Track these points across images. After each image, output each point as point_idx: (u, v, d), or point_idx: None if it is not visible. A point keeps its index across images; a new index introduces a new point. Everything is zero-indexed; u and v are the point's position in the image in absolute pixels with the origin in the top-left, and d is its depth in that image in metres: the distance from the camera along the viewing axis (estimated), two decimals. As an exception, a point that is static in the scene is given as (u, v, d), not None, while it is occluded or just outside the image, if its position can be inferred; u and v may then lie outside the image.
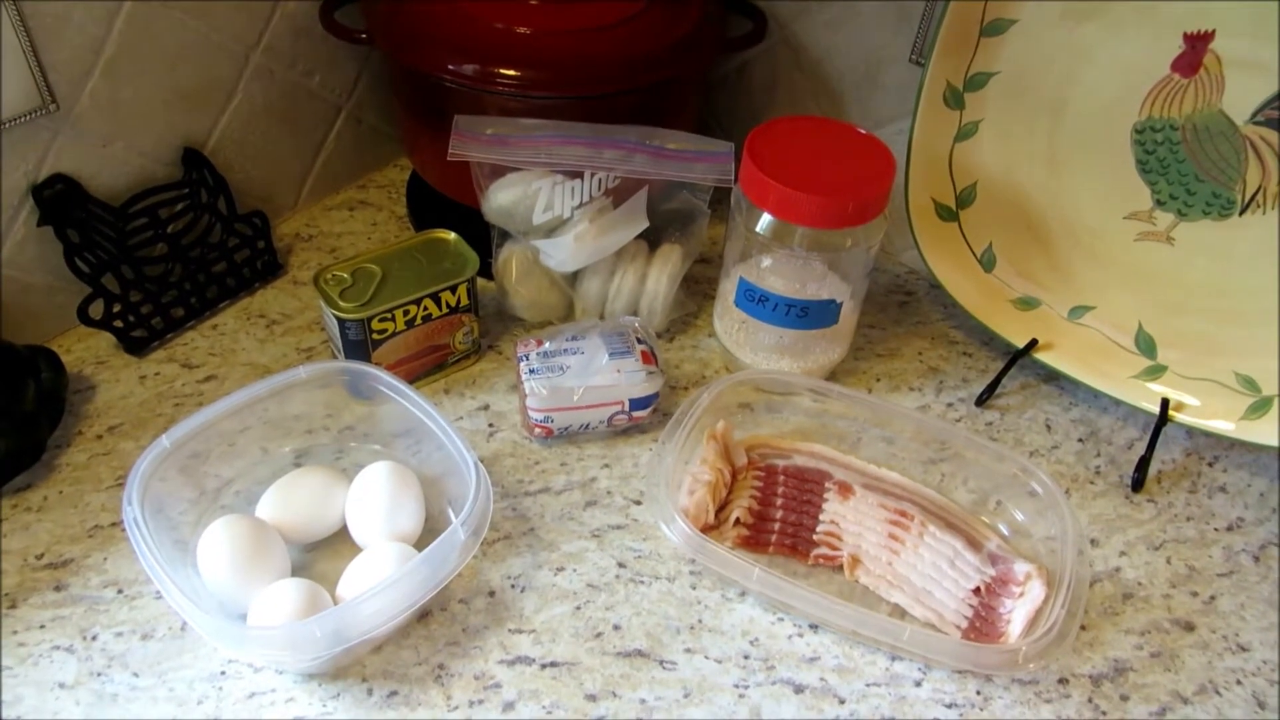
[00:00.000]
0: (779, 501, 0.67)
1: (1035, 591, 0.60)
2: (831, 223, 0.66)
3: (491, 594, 0.61)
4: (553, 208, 0.72)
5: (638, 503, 0.67)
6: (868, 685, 0.58)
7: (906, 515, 0.65)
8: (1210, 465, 0.73)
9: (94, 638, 0.58)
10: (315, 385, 0.65)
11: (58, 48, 0.66)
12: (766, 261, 0.70)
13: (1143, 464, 0.71)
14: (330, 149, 0.89)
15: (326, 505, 0.62)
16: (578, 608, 0.61)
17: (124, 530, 0.55)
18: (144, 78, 0.71)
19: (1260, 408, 0.69)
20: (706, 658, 0.59)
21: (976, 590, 0.61)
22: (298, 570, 0.61)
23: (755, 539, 0.65)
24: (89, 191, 0.71)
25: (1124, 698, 0.59)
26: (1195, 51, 0.64)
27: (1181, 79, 0.65)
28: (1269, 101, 0.63)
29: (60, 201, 0.69)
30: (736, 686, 0.58)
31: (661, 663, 0.59)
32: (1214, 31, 0.62)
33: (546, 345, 0.69)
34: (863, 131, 0.70)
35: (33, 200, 0.69)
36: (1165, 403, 0.72)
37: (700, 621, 0.61)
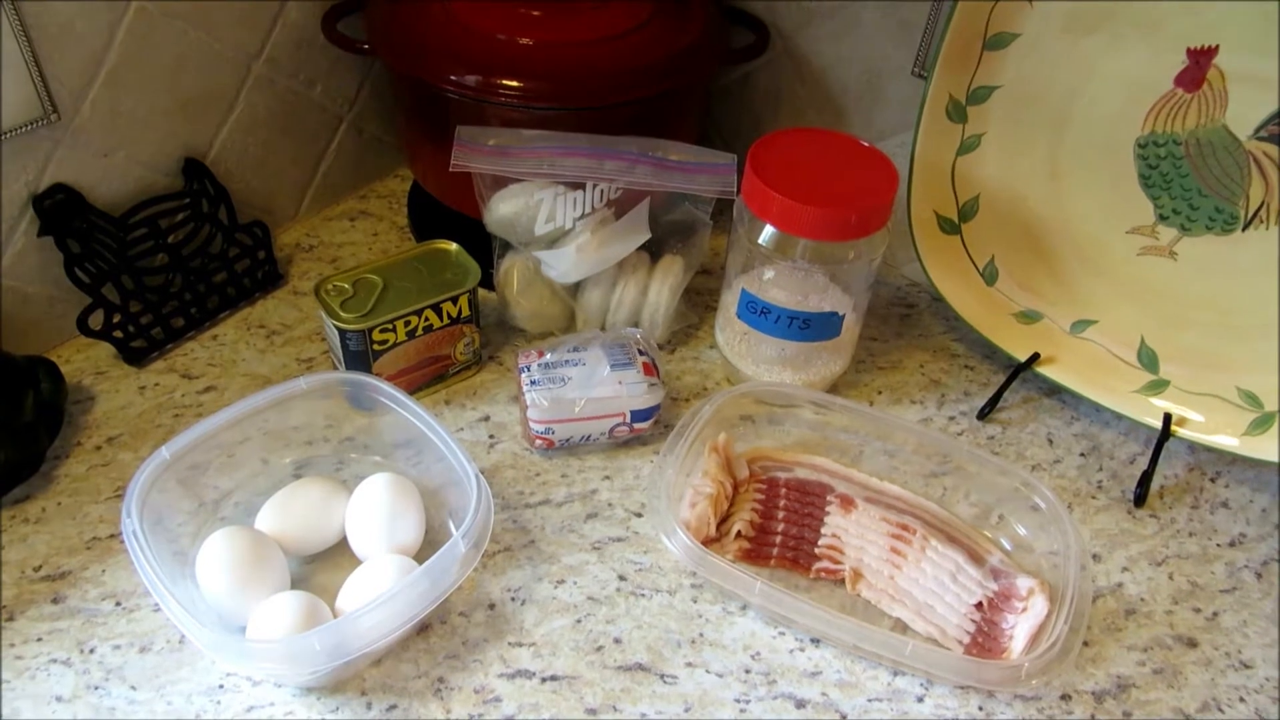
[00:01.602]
0: (780, 514, 0.66)
1: (1038, 607, 0.59)
2: (834, 235, 0.66)
3: (492, 607, 0.61)
4: (554, 219, 0.72)
5: (639, 515, 0.67)
6: (870, 700, 0.58)
7: (908, 529, 0.65)
8: (1213, 481, 0.73)
9: (92, 650, 0.57)
10: (315, 396, 0.64)
11: (59, 58, 0.66)
12: (769, 273, 0.70)
13: (1145, 479, 0.70)
14: (331, 159, 0.89)
15: (326, 517, 0.62)
16: (578, 621, 0.61)
17: (122, 542, 0.55)
18: (145, 88, 0.71)
19: (1263, 423, 0.69)
20: (708, 672, 0.59)
21: (979, 605, 0.61)
22: (297, 582, 0.60)
23: (757, 552, 0.65)
24: (90, 201, 0.71)
25: (1127, 714, 0.58)
26: (1199, 67, 0.64)
27: (1185, 94, 0.65)
28: (1272, 117, 0.63)
29: (61, 211, 0.69)
30: (738, 701, 0.57)
31: (662, 676, 0.58)
32: (1217, 47, 0.63)
33: (548, 356, 0.69)
34: (865, 144, 0.70)
35: (33, 210, 0.69)
36: (1168, 418, 0.71)
37: (701, 635, 0.61)
